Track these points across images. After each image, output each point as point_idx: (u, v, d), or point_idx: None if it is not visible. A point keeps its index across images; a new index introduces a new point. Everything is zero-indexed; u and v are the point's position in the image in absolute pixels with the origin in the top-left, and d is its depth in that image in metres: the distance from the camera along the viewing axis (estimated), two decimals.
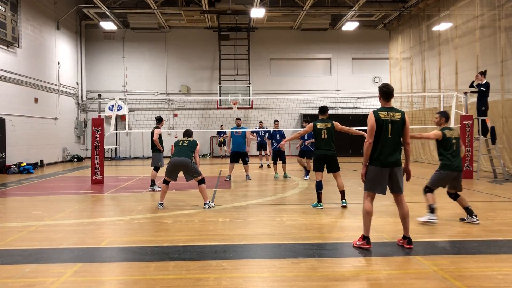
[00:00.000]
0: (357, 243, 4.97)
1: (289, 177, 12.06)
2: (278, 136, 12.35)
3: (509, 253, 4.78)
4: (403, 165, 4.90)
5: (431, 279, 3.94)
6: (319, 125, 7.41)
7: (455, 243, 5.26)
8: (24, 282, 3.93)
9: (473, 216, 6.16)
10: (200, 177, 7.59)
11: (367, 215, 4.89)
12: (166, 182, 7.71)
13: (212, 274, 4.11)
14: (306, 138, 11.71)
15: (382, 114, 4.77)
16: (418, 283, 3.84)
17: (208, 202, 7.62)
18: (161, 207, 7.58)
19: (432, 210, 6.19)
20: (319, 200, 7.50)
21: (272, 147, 12.53)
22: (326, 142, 7.38)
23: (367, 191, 4.90)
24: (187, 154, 7.59)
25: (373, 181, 4.80)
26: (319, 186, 7.46)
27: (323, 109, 7.68)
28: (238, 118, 12.39)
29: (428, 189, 6.33)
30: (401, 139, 4.83)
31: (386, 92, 4.87)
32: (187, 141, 7.84)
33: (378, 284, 3.84)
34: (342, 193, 7.56)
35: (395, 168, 4.76)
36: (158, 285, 3.84)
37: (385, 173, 4.76)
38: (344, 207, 7.44)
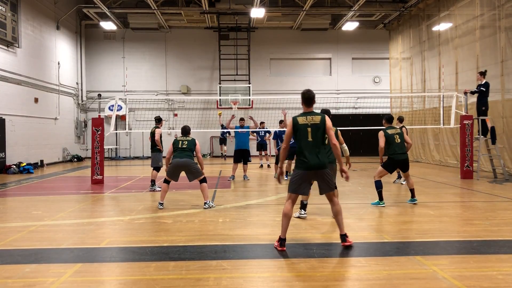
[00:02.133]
0: (275, 244, 4.97)
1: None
2: (284, 136, 12.30)
3: (509, 253, 4.78)
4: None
5: (431, 279, 3.94)
6: (390, 132, 7.76)
7: (455, 243, 5.26)
8: (24, 282, 3.93)
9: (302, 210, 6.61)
10: (202, 177, 7.65)
11: (285, 217, 4.90)
12: (167, 181, 7.75)
13: (212, 274, 4.11)
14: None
15: (301, 119, 4.88)
16: (418, 283, 3.84)
17: (208, 202, 7.62)
18: (161, 207, 7.60)
19: (303, 206, 6.62)
20: (381, 198, 7.71)
21: (277, 147, 12.49)
22: (401, 146, 7.74)
23: (290, 193, 4.93)
24: (188, 155, 7.61)
25: (296, 183, 4.87)
26: (380, 184, 7.71)
27: (391, 118, 8.06)
28: (242, 119, 12.53)
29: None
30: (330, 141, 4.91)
31: (307, 98, 4.98)
32: (186, 142, 7.79)
33: (378, 284, 3.84)
34: (412, 191, 7.94)
35: (319, 171, 4.83)
36: (158, 285, 3.84)
37: (308, 176, 4.87)
38: (415, 204, 7.82)
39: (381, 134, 7.80)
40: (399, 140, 7.69)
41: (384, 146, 7.71)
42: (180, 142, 7.80)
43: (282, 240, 4.88)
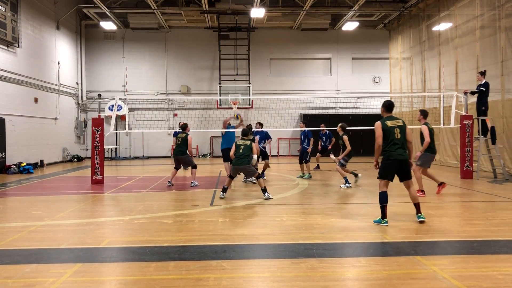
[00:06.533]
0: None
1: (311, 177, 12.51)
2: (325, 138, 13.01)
3: (509, 253, 4.78)
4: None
5: (431, 279, 3.94)
6: (389, 123, 6.16)
7: (455, 243, 5.25)
8: (24, 282, 3.93)
9: (265, 194, 8.52)
10: (193, 165, 10.71)
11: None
12: (176, 168, 10.71)
13: (212, 274, 4.11)
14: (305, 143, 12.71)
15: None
16: (418, 283, 3.84)
17: (193, 182, 10.47)
18: (169, 184, 10.49)
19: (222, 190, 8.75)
20: (384, 215, 6.07)
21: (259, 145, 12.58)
22: (400, 143, 6.10)
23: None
24: (182, 150, 10.49)
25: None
26: (384, 198, 6.09)
27: (391, 105, 6.39)
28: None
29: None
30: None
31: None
32: (181, 138, 10.54)
33: (378, 284, 3.84)
34: (417, 206, 6.28)
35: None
36: (158, 285, 3.84)
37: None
38: (422, 222, 6.16)
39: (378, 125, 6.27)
40: (399, 136, 6.13)
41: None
42: (177, 139, 10.64)
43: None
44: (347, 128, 10.68)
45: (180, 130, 10.97)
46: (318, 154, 15.05)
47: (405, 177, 6.19)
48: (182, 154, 10.50)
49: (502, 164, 11.54)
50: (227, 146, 11.82)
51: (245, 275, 4.13)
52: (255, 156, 9.01)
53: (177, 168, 10.73)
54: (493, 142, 11.65)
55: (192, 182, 10.54)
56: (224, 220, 6.55)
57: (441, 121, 12.87)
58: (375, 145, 6.15)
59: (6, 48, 15.08)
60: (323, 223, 6.32)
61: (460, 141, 12.38)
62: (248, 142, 8.94)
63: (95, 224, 6.37)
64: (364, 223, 6.25)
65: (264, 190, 8.55)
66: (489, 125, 11.74)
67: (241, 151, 8.78)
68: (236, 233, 5.77)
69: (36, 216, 6.94)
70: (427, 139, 8.27)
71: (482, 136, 11.74)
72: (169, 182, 10.65)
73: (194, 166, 10.69)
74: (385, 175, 6.14)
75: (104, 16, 20.80)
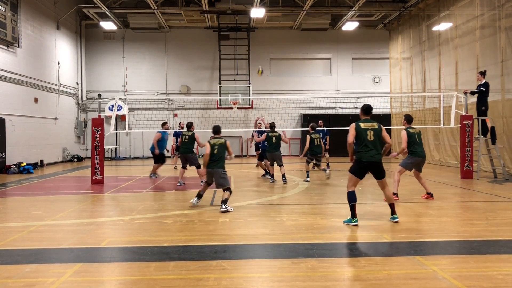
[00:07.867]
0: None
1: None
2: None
3: (509, 253, 4.78)
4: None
5: (431, 279, 3.95)
6: (363, 125, 6.32)
7: (455, 243, 5.26)
8: (24, 282, 3.93)
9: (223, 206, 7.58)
10: (197, 164, 10.75)
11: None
12: (184, 167, 10.86)
13: (212, 274, 4.11)
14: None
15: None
16: (418, 283, 3.84)
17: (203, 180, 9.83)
18: (179, 185, 10.59)
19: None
20: (353, 215, 6.19)
21: (260, 145, 13.11)
22: (373, 145, 6.22)
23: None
24: (189, 148, 10.52)
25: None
26: (352, 197, 6.26)
27: (369, 109, 6.52)
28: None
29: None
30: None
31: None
32: (188, 136, 10.45)
33: (378, 284, 3.84)
34: (392, 206, 6.42)
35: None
36: (158, 285, 3.84)
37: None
38: (396, 222, 6.26)
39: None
40: (372, 138, 6.28)
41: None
42: (184, 136, 10.45)
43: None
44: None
45: (180, 130, 11.15)
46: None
47: (378, 176, 6.37)
48: (190, 152, 10.67)
49: (502, 164, 11.54)
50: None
51: (245, 275, 4.13)
52: (232, 156, 8.23)
53: (184, 167, 10.92)
54: (493, 142, 11.65)
55: (202, 181, 10.68)
56: (224, 220, 6.55)
57: (441, 121, 12.87)
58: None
59: (6, 48, 15.07)
60: (323, 223, 6.33)
61: (460, 141, 12.38)
62: (222, 141, 7.80)
63: (95, 224, 6.37)
64: (364, 223, 6.25)
65: (224, 202, 7.33)
66: (489, 125, 11.75)
67: (215, 151, 7.64)
68: (236, 233, 5.77)
69: (36, 216, 6.94)
70: (403, 144, 8.28)
71: (482, 136, 11.74)
72: (179, 182, 10.88)
73: (198, 166, 10.80)
74: (354, 172, 6.34)
75: (104, 16, 20.80)
